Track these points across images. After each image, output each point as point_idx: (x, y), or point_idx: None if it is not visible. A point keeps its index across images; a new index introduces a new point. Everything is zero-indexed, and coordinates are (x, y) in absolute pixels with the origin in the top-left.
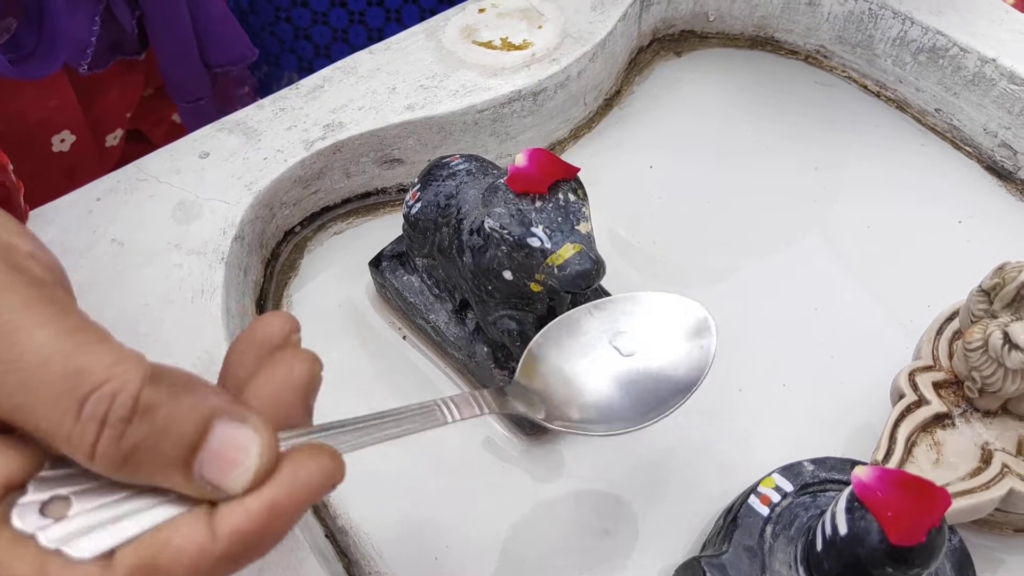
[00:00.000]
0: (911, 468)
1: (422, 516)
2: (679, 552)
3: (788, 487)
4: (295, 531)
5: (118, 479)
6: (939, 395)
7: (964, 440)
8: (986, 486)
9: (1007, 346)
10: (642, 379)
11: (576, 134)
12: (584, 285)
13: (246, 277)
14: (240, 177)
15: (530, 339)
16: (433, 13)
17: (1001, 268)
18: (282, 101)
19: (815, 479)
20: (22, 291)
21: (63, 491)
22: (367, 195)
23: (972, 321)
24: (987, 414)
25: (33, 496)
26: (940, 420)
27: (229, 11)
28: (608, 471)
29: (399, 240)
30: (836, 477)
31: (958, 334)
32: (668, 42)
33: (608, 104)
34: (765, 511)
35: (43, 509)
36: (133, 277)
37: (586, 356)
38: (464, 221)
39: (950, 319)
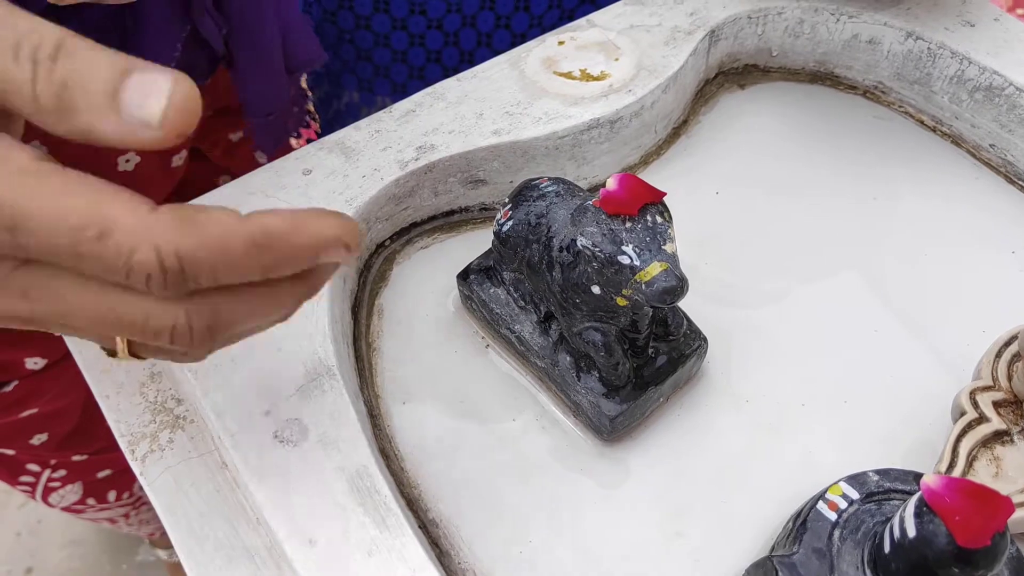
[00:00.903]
0: (972, 480)
1: (505, 513)
2: (748, 555)
3: (855, 495)
4: (400, 517)
5: (60, 129)
6: (998, 413)
7: (1022, 456)
8: None
9: None
10: None
11: (646, 160)
12: (669, 301)
13: (345, 285)
14: (341, 193)
15: (613, 349)
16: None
17: None
18: (377, 123)
19: (880, 488)
20: None
21: None
22: (451, 213)
23: None
24: None
25: None
26: (999, 437)
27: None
28: (678, 478)
29: (485, 255)
30: (900, 487)
31: (1016, 357)
32: (733, 75)
33: (676, 132)
34: (833, 516)
35: None
36: None
37: None
38: (554, 239)
39: (1008, 343)
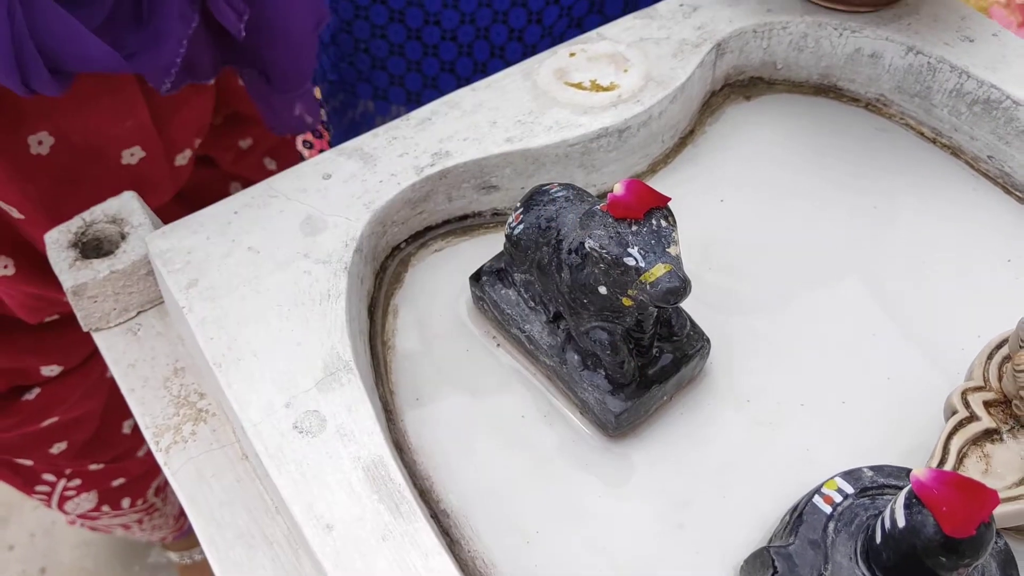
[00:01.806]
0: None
1: (514, 504)
2: (747, 546)
3: (849, 489)
4: (413, 504)
5: None
6: (989, 413)
7: (1011, 454)
8: None
9: None
10: None
11: (653, 168)
12: (673, 301)
13: (362, 285)
14: (359, 197)
15: (619, 348)
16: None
17: None
18: (394, 131)
19: (874, 484)
20: None
21: None
22: (465, 217)
23: (1020, 346)
24: None
25: None
26: (989, 435)
27: None
28: (680, 473)
29: (497, 257)
30: (893, 483)
31: (1007, 359)
32: (738, 87)
33: (683, 142)
34: (828, 509)
35: None
36: (267, 281)
37: None
38: (563, 242)
39: (999, 346)
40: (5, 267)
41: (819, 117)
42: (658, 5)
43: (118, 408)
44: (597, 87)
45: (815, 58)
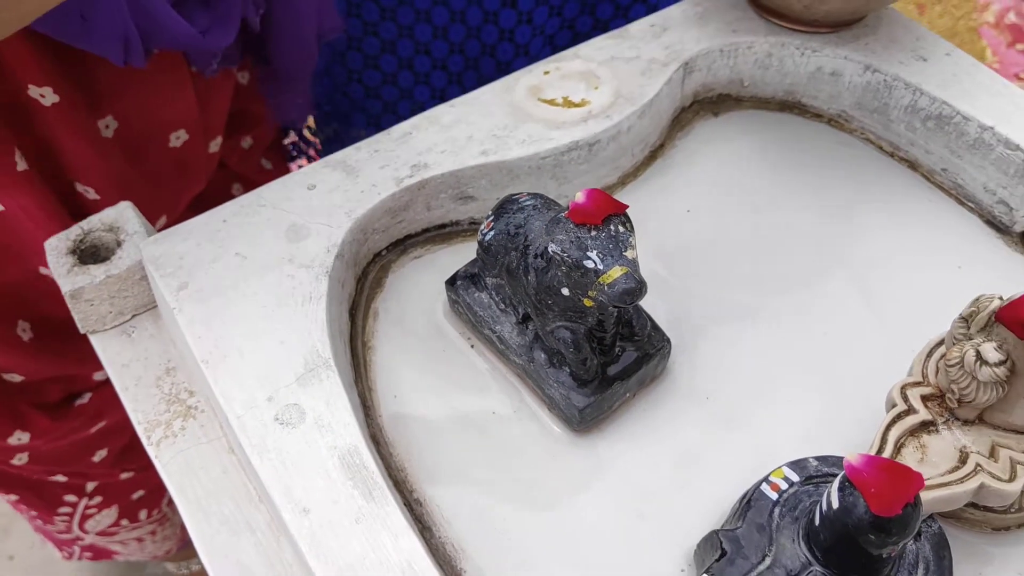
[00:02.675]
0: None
1: (485, 494)
2: (702, 532)
3: (795, 477)
4: (385, 490)
5: None
6: (926, 406)
7: (945, 444)
8: (961, 480)
9: (979, 362)
10: None
11: (623, 181)
12: (629, 301)
13: (343, 289)
14: (341, 206)
15: (582, 346)
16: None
17: (977, 299)
18: (376, 144)
19: (818, 472)
20: None
21: None
22: (443, 226)
23: (953, 343)
24: (966, 423)
25: None
26: (926, 427)
27: None
28: (642, 465)
29: (471, 263)
30: (836, 471)
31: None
32: (707, 103)
33: (653, 155)
34: (774, 496)
35: None
36: (253, 284)
37: None
38: (530, 247)
39: (939, 344)
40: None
41: (784, 132)
42: (629, 26)
43: None
44: (569, 103)
45: (779, 76)
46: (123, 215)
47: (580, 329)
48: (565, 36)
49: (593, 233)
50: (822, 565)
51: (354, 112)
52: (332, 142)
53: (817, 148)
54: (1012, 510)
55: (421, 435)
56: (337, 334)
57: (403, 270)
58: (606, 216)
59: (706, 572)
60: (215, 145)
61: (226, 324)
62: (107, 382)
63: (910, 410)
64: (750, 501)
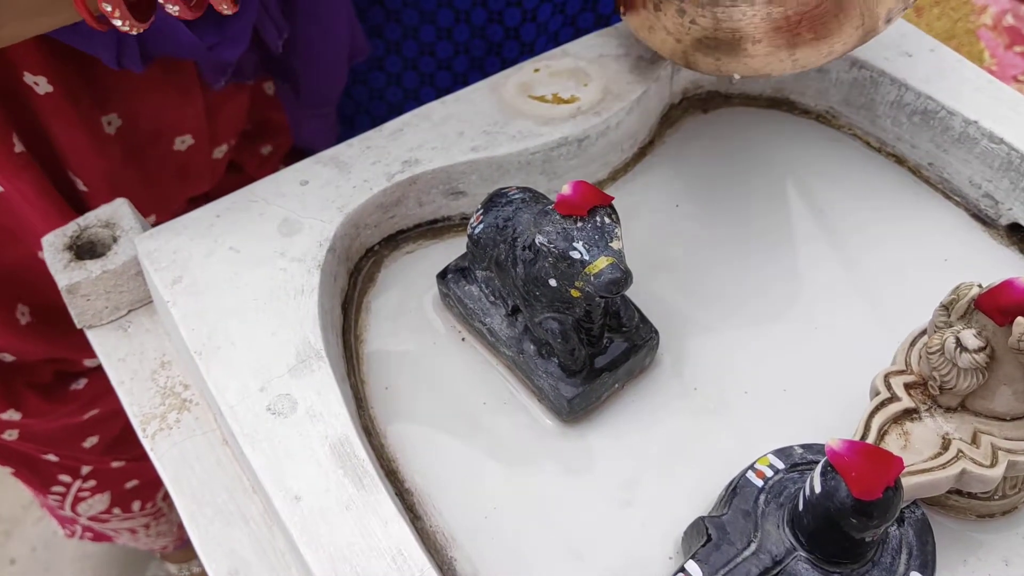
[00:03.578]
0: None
1: (475, 483)
2: (689, 520)
3: (780, 465)
4: (375, 478)
5: None
6: (909, 394)
7: (928, 431)
8: (943, 466)
9: (958, 349)
10: None
11: (613, 176)
12: (615, 291)
13: (335, 283)
14: (333, 201)
15: (569, 337)
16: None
17: (957, 287)
18: (368, 140)
19: (803, 460)
20: None
21: None
22: (435, 221)
23: (935, 331)
24: (948, 410)
25: None
26: (909, 414)
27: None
28: (629, 455)
29: (462, 257)
30: (821, 459)
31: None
32: (696, 100)
33: (642, 152)
34: (760, 483)
35: None
36: (246, 277)
37: None
38: (518, 239)
39: (922, 333)
40: None
41: (773, 129)
42: (619, 24)
43: None
44: (559, 100)
45: None
46: (119, 211)
47: (568, 320)
48: (568, 33)
49: (579, 224)
50: (806, 550)
51: (359, 114)
52: (338, 144)
53: (805, 144)
54: (996, 497)
55: (412, 426)
56: (330, 327)
57: (395, 265)
58: (592, 207)
59: (692, 558)
60: (219, 152)
61: (219, 317)
62: (101, 368)
63: (893, 398)
64: (736, 488)
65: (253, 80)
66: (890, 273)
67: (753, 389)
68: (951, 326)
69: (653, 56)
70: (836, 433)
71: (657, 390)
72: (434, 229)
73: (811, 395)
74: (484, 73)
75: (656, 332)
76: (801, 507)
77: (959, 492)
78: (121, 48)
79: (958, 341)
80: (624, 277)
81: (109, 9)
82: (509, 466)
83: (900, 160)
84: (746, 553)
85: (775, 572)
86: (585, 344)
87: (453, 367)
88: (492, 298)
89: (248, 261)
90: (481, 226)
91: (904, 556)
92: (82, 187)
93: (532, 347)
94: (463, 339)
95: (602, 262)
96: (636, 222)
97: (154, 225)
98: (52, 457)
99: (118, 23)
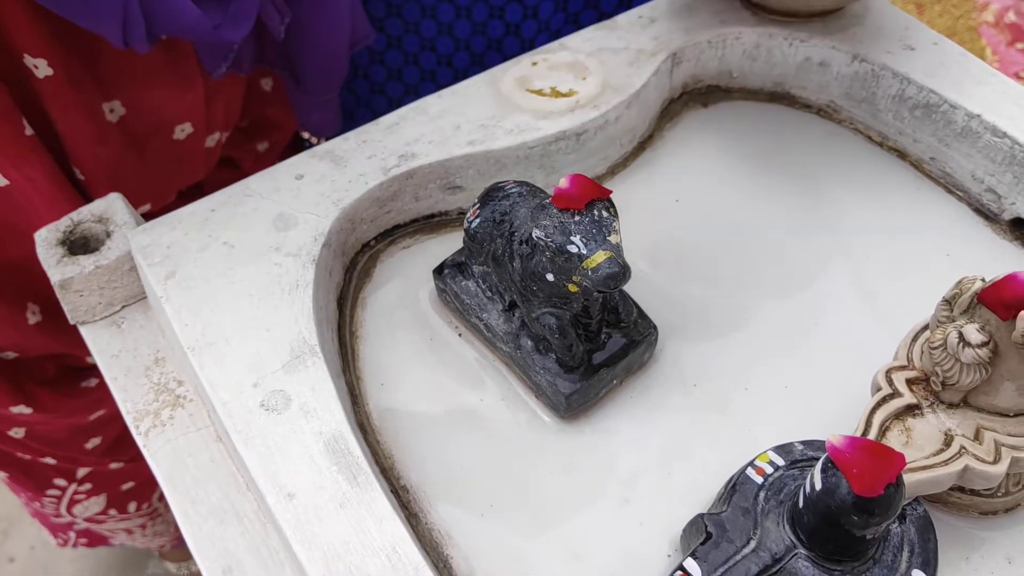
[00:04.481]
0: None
1: (471, 481)
2: (688, 517)
3: (780, 462)
4: (370, 475)
5: None
6: (911, 389)
7: (930, 427)
8: (945, 463)
9: (961, 343)
10: None
11: (612, 170)
12: (613, 285)
13: (330, 278)
14: (328, 195)
15: (567, 332)
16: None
17: (960, 281)
18: (364, 134)
19: (803, 456)
20: None
21: None
22: (432, 216)
23: (937, 325)
24: (951, 406)
25: None
26: (911, 410)
27: None
28: (628, 452)
29: (458, 252)
30: (821, 455)
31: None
32: (696, 94)
33: (641, 146)
34: (760, 480)
35: None
36: (240, 272)
37: None
38: (515, 234)
39: (924, 328)
40: None
41: (773, 123)
42: (617, 17)
43: None
44: (557, 93)
45: (768, 67)
46: (112, 206)
47: (565, 315)
48: (569, 31)
49: (577, 218)
50: (807, 548)
51: (359, 108)
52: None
53: (806, 138)
54: (999, 494)
55: (409, 423)
56: (325, 323)
57: (392, 260)
58: (589, 201)
59: (691, 556)
60: (212, 140)
61: (213, 312)
62: None
63: (895, 394)
64: (735, 485)
65: (250, 73)
66: (892, 268)
67: (753, 385)
68: (954, 321)
69: (653, 48)
70: (837, 429)
71: (656, 386)
72: (431, 224)
73: (812, 391)
74: (485, 69)
75: (655, 327)
76: (801, 504)
77: (961, 489)
78: (127, 26)
79: (961, 336)
80: (622, 272)
81: None
82: (506, 463)
83: (902, 154)
84: (745, 551)
85: (775, 570)
86: (583, 339)
87: (450, 363)
88: (489, 293)
89: (242, 256)
90: (477, 220)
91: (906, 554)
92: (79, 176)
93: (529, 343)
94: (460, 335)
95: (600, 256)
96: (635, 216)
97: (147, 215)
98: (50, 460)
99: None
